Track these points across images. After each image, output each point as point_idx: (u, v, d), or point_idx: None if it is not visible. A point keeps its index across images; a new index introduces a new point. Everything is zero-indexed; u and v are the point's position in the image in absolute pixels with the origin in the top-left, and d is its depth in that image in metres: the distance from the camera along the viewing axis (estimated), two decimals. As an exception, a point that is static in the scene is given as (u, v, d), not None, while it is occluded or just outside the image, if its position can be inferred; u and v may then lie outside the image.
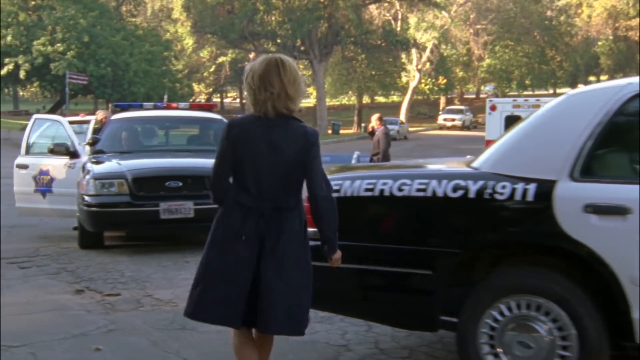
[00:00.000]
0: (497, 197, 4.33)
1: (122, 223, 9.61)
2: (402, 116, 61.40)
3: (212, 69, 78.42)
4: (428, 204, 4.53)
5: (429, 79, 71.45)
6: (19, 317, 6.83)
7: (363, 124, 59.49)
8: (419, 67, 63.73)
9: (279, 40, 58.54)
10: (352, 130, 62.44)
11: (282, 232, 3.99)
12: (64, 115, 13.48)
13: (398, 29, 59.21)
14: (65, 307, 7.12)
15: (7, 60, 42.59)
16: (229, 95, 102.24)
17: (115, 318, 6.70)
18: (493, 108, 25.13)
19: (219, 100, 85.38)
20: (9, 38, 42.70)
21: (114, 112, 11.92)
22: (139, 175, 9.55)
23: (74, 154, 10.77)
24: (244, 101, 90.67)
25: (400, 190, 4.61)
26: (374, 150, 16.52)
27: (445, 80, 74.42)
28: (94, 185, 9.47)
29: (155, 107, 11.93)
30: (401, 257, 4.60)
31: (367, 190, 4.74)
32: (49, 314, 6.92)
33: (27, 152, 11.36)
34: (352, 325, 6.22)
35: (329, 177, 4.17)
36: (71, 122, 11.57)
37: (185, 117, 11.67)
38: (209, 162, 9.50)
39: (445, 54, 68.80)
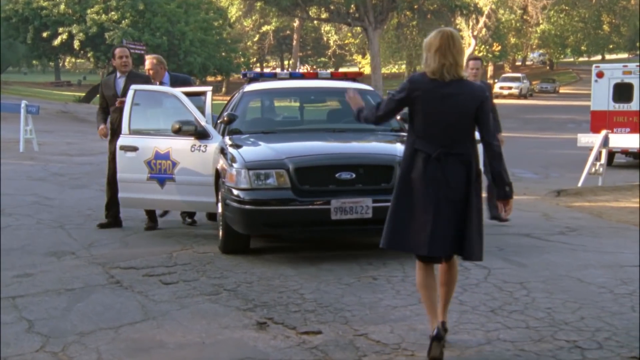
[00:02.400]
0: None
1: (283, 224, 7.61)
2: (457, 85, 59.02)
3: (256, 39, 76.47)
4: None
5: (484, 46, 68.80)
6: (205, 369, 4.94)
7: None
8: (475, 33, 61.22)
9: (332, 7, 56.29)
10: (403, 100, 60.21)
11: (457, 175, 4.84)
12: None
13: (455, -8, 56.49)
14: (259, 353, 5.20)
15: (60, 29, 40.83)
16: (268, 65, 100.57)
17: (343, 376, 4.78)
18: (600, 75, 22.75)
19: (259, 70, 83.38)
20: (62, 7, 40.87)
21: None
22: (304, 164, 7.56)
23: (202, 134, 8.80)
24: (284, 70, 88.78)
25: None
26: None
27: (499, 47, 71.78)
28: (247, 177, 7.53)
29: (292, 77, 9.93)
30: None
31: None
32: (245, 365, 5.02)
33: (131, 131, 9.24)
34: None
35: None
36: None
37: (333, 88, 9.63)
38: (382, 147, 7.63)
39: (503, 19, 66.07)
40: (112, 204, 9.60)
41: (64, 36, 40.93)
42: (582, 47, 78.21)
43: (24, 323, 5.91)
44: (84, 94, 48.45)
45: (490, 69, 76.37)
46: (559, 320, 5.55)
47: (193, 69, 42.38)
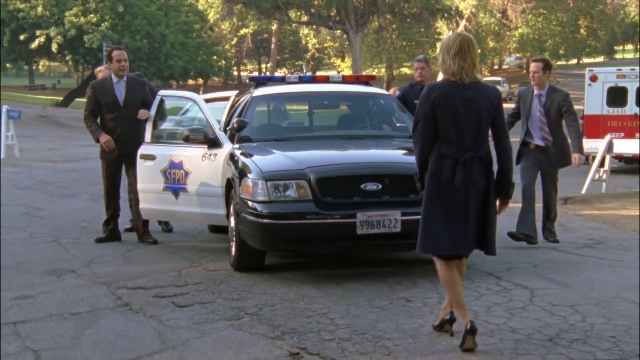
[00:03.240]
0: None
1: (304, 239, 7.02)
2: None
3: (234, 42, 75.77)
4: None
5: (464, 50, 68.45)
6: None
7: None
8: (456, 37, 60.78)
9: (312, 10, 55.78)
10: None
11: (480, 175, 5.10)
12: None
13: (436, -4, 56.11)
14: (299, 390, 4.64)
15: (38, 32, 39.86)
16: (246, 68, 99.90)
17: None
18: (593, 79, 22.32)
19: (236, 73, 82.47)
20: (39, 9, 39.90)
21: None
22: (326, 174, 6.99)
23: (213, 142, 8.25)
24: (262, 74, 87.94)
25: None
26: None
27: (479, 51, 71.60)
28: (264, 188, 6.95)
29: (301, 80, 9.36)
30: None
31: None
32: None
33: (153, 139, 8.82)
34: None
35: None
36: (207, 101, 9.09)
37: (348, 92, 9.08)
38: (409, 155, 7.10)
39: (483, 23, 65.98)
40: (112, 218, 9.01)
41: (42, 39, 39.98)
42: (560, 51, 78.25)
43: (29, 354, 5.32)
44: (61, 98, 47.50)
45: (468, 73, 76.16)
46: (629, 352, 4.99)
47: (174, 72, 41.65)
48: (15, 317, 6.12)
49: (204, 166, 8.24)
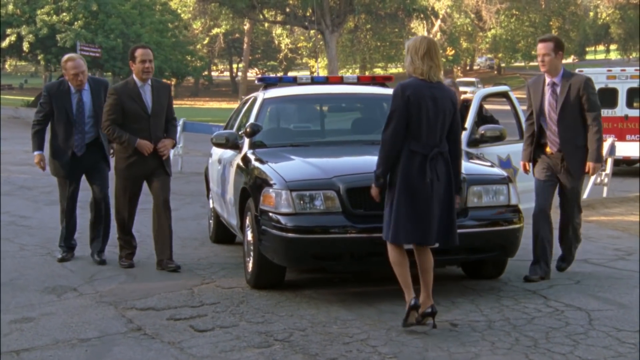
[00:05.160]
0: None
1: (333, 256, 6.40)
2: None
3: (205, 41, 74.93)
4: None
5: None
6: None
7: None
8: (430, 37, 60.53)
9: (288, 10, 55.18)
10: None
11: (443, 171, 5.54)
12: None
13: (411, -4, 55.68)
14: None
15: (9, 31, 38.77)
16: (216, 68, 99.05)
17: None
18: (583, 80, 21.95)
19: (205, 73, 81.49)
20: (10, 7, 38.83)
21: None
22: (357, 184, 6.37)
23: (236, 147, 7.73)
24: (234, 74, 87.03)
25: None
26: None
27: (453, 52, 71.47)
28: (290, 199, 6.34)
29: (314, 81, 8.75)
30: None
31: None
32: None
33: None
34: None
35: None
36: None
37: (366, 94, 8.47)
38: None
39: (459, 23, 65.84)
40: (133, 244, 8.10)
41: (13, 38, 38.91)
42: (532, 52, 78.37)
43: (39, 391, 4.67)
44: (31, 98, 46.37)
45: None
46: None
47: (149, 72, 40.77)
48: (17, 345, 5.47)
49: (230, 172, 7.84)
